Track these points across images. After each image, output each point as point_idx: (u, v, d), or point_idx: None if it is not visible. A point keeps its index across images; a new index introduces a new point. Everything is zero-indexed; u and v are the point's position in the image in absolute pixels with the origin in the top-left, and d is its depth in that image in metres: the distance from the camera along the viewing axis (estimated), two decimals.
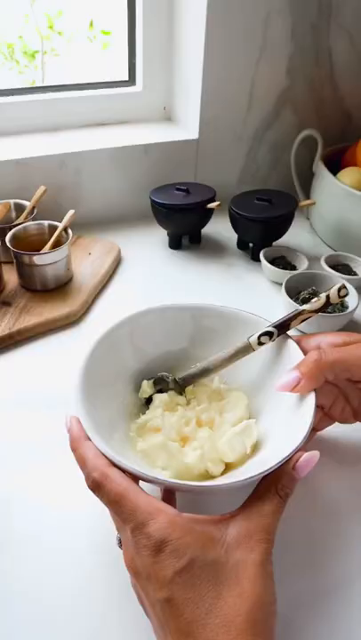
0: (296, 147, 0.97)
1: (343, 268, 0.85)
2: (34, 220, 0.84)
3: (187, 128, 0.99)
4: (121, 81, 1.01)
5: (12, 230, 0.78)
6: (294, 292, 0.77)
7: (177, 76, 0.98)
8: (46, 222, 0.81)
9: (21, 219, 0.85)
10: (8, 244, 0.76)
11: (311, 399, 0.47)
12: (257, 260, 0.87)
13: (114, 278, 0.86)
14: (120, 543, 0.42)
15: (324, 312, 0.67)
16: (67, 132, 0.97)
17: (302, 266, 0.84)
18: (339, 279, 0.78)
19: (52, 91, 0.97)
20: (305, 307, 0.53)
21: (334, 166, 0.93)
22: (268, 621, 0.35)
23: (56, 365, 0.68)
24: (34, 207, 0.86)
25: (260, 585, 0.35)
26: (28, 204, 0.86)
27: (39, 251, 0.78)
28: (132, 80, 1.01)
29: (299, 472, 0.41)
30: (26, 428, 0.60)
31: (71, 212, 0.80)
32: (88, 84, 0.99)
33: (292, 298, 0.75)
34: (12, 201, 0.86)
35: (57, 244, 0.79)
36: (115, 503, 0.38)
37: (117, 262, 0.88)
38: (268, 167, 1.06)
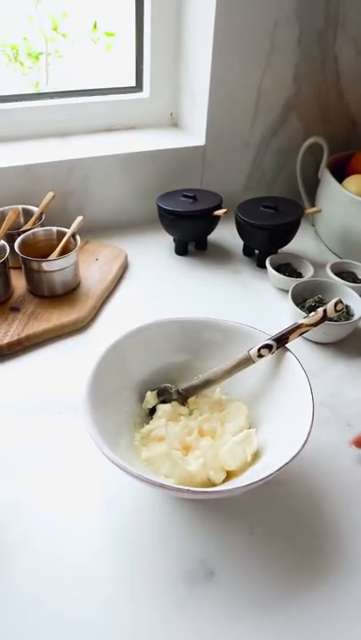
0: (302, 154, 0.98)
1: (348, 275, 0.86)
2: (42, 225, 0.85)
3: (193, 134, 1.00)
4: (128, 87, 1.01)
5: (21, 236, 0.79)
6: (300, 299, 0.78)
7: (184, 82, 0.98)
8: (55, 228, 0.82)
9: (30, 224, 0.86)
10: (17, 250, 0.76)
11: (309, 408, 0.48)
12: (263, 266, 0.88)
13: (121, 284, 0.86)
14: None
15: (331, 320, 0.69)
16: (75, 137, 0.98)
17: (308, 273, 0.84)
18: (344, 287, 0.79)
19: (60, 97, 0.97)
20: (303, 321, 0.54)
21: (340, 173, 0.94)
22: None
23: (64, 371, 0.69)
24: (42, 213, 0.86)
25: None
26: (36, 209, 0.87)
27: (48, 256, 0.78)
28: (139, 86, 1.01)
29: None
30: (34, 432, 0.61)
31: (79, 218, 0.81)
32: (96, 89, 0.99)
33: (298, 305, 0.76)
34: (20, 206, 0.87)
35: (65, 251, 0.80)
36: None
37: (124, 268, 0.89)
38: (273, 173, 1.07)
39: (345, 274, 0.86)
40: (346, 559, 0.50)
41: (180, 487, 0.45)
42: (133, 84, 1.02)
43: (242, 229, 0.89)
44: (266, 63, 0.93)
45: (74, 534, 0.51)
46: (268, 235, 0.86)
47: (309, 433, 0.47)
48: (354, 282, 0.84)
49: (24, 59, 1.76)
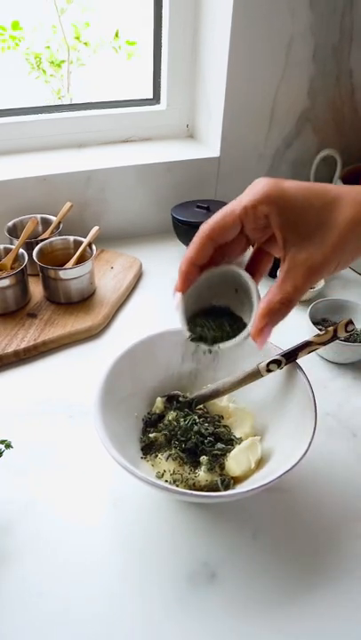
0: (315, 166, 0.99)
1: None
2: (60, 234, 0.88)
3: (208, 146, 1.02)
4: (146, 99, 1.04)
5: (39, 245, 0.81)
6: (319, 315, 0.79)
7: (200, 95, 1.01)
8: (72, 237, 0.85)
9: (47, 233, 0.89)
10: (35, 259, 0.79)
11: (312, 421, 0.50)
12: (274, 276, 0.89)
13: (135, 292, 0.89)
14: None
15: (345, 341, 0.70)
16: (92, 148, 1.00)
17: (318, 284, 0.85)
18: (358, 307, 0.79)
19: (78, 109, 1.00)
20: (313, 339, 0.55)
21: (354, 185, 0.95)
22: None
23: (77, 376, 0.71)
24: (60, 222, 0.89)
25: None
26: (54, 218, 0.90)
27: (64, 265, 0.81)
28: (156, 98, 1.04)
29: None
30: (46, 434, 0.64)
31: (95, 228, 0.84)
32: (114, 101, 1.02)
33: (315, 322, 0.77)
34: (38, 216, 0.90)
35: (81, 259, 0.82)
36: None
37: (139, 276, 0.91)
38: None
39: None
40: (347, 565, 0.51)
41: (184, 491, 0.47)
42: (151, 96, 1.04)
43: None
44: (281, 77, 0.94)
45: (82, 534, 0.53)
46: None
47: (310, 444, 0.48)
48: None
49: (46, 67, 1.80)
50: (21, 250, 0.81)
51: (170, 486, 0.47)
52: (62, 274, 0.79)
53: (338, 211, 0.41)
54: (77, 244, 0.84)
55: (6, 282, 0.76)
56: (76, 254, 0.83)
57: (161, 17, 0.95)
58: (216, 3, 0.88)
